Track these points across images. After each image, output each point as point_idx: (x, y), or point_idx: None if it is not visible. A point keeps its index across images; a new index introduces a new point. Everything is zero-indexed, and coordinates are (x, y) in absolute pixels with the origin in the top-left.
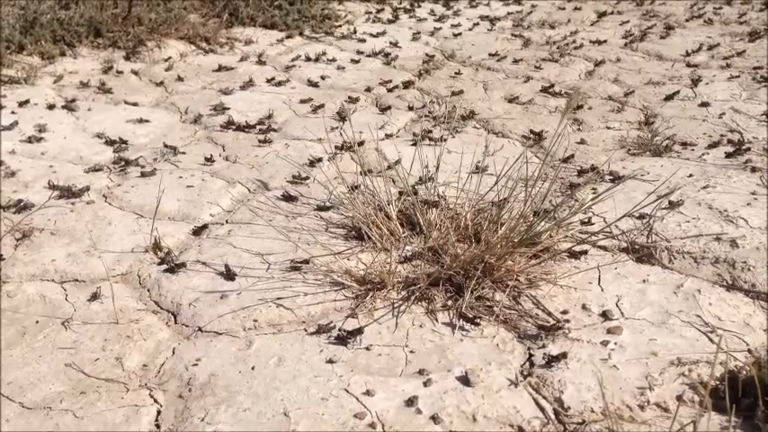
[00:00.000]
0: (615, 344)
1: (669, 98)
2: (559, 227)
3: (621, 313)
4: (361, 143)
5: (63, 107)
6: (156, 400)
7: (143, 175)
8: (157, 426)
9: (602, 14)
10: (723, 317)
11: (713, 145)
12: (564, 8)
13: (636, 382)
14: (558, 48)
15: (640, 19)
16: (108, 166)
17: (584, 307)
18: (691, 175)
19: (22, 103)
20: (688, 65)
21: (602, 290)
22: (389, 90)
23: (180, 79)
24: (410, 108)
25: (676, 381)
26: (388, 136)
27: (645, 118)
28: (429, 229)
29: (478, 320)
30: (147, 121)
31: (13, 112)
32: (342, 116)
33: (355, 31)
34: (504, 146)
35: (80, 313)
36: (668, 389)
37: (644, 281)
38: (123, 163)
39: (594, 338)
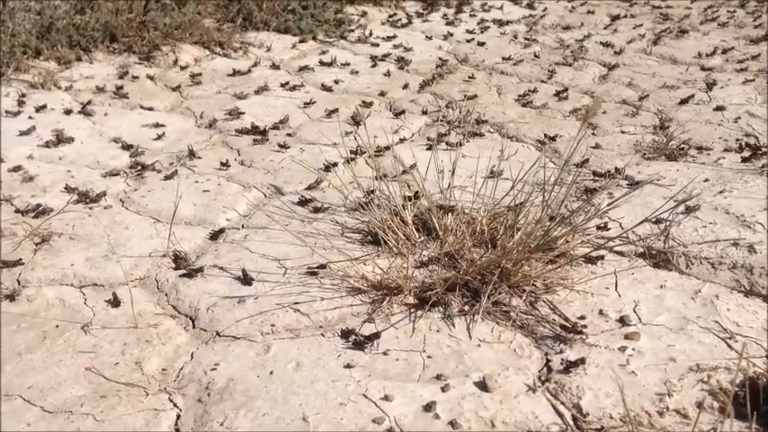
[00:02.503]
0: (633, 350)
1: (684, 102)
2: (576, 232)
3: (639, 319)
4: (386, 148)
5: (79, 112)
6: (175, 405)
7: (165, 178)
8: (177, 430)
9: (615, 18)
10: (741, 323)
11: (729, 149)
12: (577, 11)
13: (654, 388)
14: (571, 51)
15: (654, 22)
16: (125, 170)
17: (601, 312)
18: (707, 180)
19: (39, 108)
20: (702, 68)
21: (620, 295)
22: (403, 94)
23: (195, 84)
24: (424, 112)
25: (695, 387)
26: (402, 140)
27: (660, 122)
28: (445, 234)
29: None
30: (162, 125)
31: (30, 117)
32: (356, 120)
33: (369, 36)
34: (519, 150)
35: (99, 317)
36: (687, 395)
37: (661, 286)
38: (140, 168)
39: (612, 344)
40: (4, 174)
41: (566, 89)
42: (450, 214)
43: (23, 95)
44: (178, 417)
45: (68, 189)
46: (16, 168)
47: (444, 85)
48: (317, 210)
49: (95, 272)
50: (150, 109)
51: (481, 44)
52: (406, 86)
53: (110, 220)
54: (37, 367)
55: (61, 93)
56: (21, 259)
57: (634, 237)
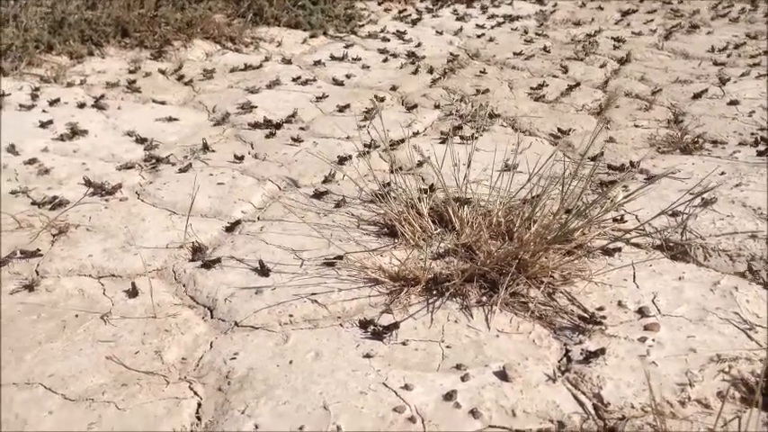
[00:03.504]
0: (653, 340)
1: (697, 96)
2: (592, 224)
3: (658, 310)
4: (399, 141)
5: (93, 106)
6: (195, 393)
7: (180, 171)
8: (198, 418)
9: (625, 13)
10: (761, 314)
11: (744, 143)
12: (587, 7)
13: (675, 378)
14: (582, 47)
15: (665, 18)
16: (139, 163)
17: (619, 304)
18: (723, 173)
19: (52, 102)
20: (715, 63)
21: (638, 287)
22: (415, 89)
23: (207, 78)
24: (436, 107)
25: (716, 377)
26: (415, 134)
27: (674, 116)
28: (461, 226)
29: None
30: (175, 119)
31: (44, 111)
32: (369, 114)
33: (380, 31)
34: (532, 144)
35: (118, 307)
36: (709, 385)
37: (680, 278)
38: (154, 161)
39: (632, 335)
40: (20, 166)
41: (578, 84)
42: (466, 206)
43: (37, 89)
44: (199, 405)
45: (86, 182)
46: (32, 161)
47: (456, 79)
48: (337, 204)
49: (113, 263)
50: (163, 103)
51: (492, 39)
52: (417, 81)
53: (126, 212)
54: (57, 356)
55: (74, 87)
56: (38, 250)
57: (651, 229)
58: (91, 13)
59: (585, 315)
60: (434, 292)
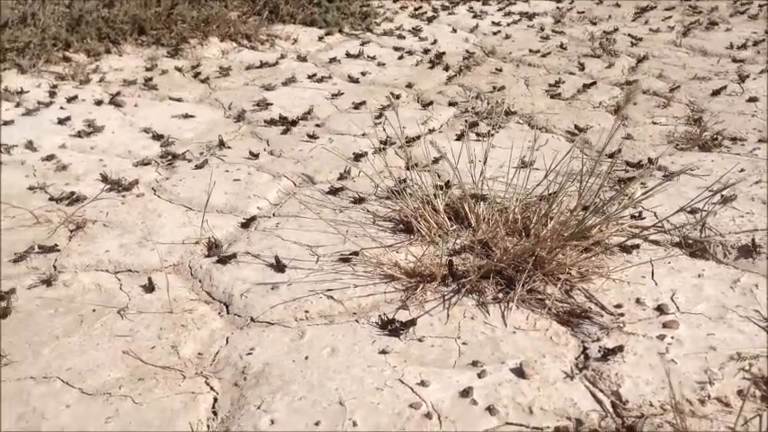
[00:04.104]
0: (672, 338)
1: (716, 93)
2: (610, 221)
3: (677, 308)
4: (415, 138)
5: (110, 103)
6: (212, 388)
7: (196, 167)
8: (214, 413)
9: (643, 10)
10: None
11: (764, 140)
12: (604, 4)
13: (695, 376)
14: (599, 44)
15: (683, 14)
16: (156, 160)
17: (638, 301)
18: (742, 170)
19: (70, 99)
20: (734, 60)
21: (656, 284)
22: (430, 86)
23: (223, 76)
24: (452, 104)
25: (737, 376)
26: (430, 131)
27: (692, 113)
28: (478, 222)
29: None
30: (191, 116)
31: (61, 108)
32: (384, 111)
33: (395, 29)
34: (549, 141)
35: (135, 302)
36: (729, 383)
37: (699, 275)
38: (170, 157)
39: (650, 332)
40: (38, 162)
41: (594, 81)
42: (482, 203)
43: (54, 87)
44: (215, 400)
45: (103, 178)
46: (49, 157)
47: (471, 77)
48: (355, 201)
49: (130, 258)
50: (179, 100)
51: (508, 37)
52: (433, 78)
53: (142, 207)
54: (75, 350)
55: (91, 84)
56: (56, 245)
57: (669, 226)
58: (108, 12)
59: (603, 312)
60: (450, 289)
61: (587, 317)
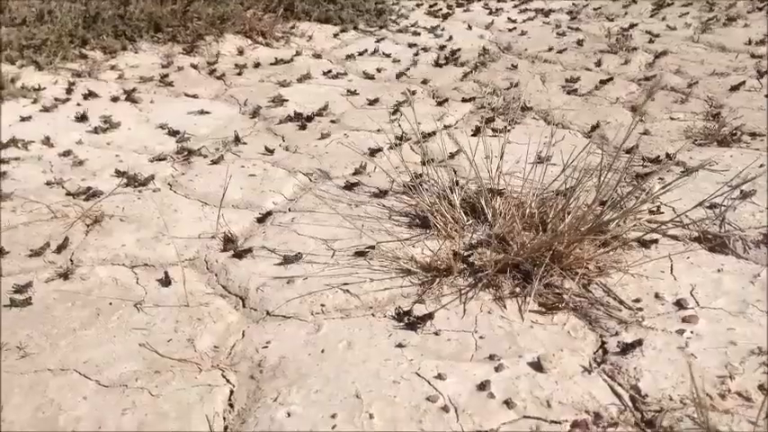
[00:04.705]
0: (692, 332)
1: (735, 89)
2: (628, 215)
3: (696, 302)
4: (432, 133)
5: (126, 99)
6: (228, 381)
7: (212, 163)
8: (231, 405)
9: (659, 6)
10: None
11: None
12: (620, 1)
13: (715, 370)
14: (616, 39)
15: (700, 11)
16: (171, 156)
17: (657, 296)
18: (762, 166)
19: (86, 96)
20: (752, 56)
21: (675, 279)
22: (446, 83)
23: (238, 73)
24: (467, 100)
25: (758, 370)
26: (446, 127)
27: (710, 108)
28: (494, 217)
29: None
30: (207, 112)
31: (78, 104)
32: (400, 107)
33: (411, 25)
34: (566, 136)
35: (151, 296)
36: (750, 378)
37: (719, 270)
38: (186, 153)
39: (669, 327)
40: (55, 158)
41: (611, 78)
42: (499, 197)
43: (71, 84)
44: (231, 392)
45: (118, 173)
46: (66, 153)
47: (487, 73)
48: (373, 195)
49: (146, 252)
50: (195, 97)
51: (523, 33)
52: (448, 75)
53: (159, 202)
54: (92, 343)
55: (108, 81)
56: (67, 239)
57: (688, 221)
58: (124, 9)
59: (621, 307)
60: (467, 283)
61: (606, 312)
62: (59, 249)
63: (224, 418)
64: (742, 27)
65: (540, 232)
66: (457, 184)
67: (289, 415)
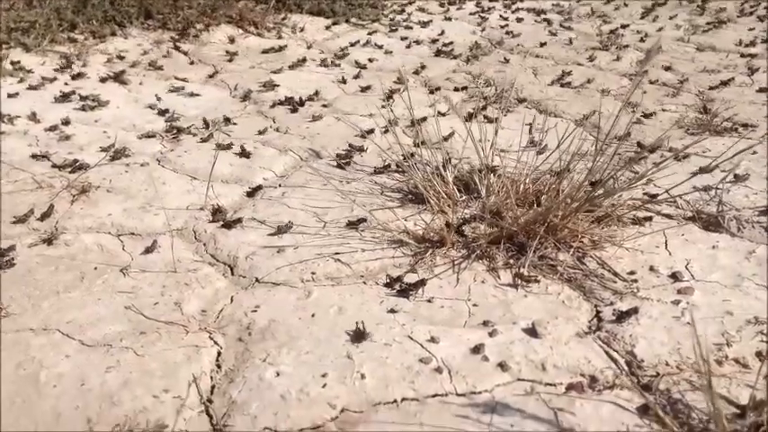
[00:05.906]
0: (687, 303)
1: (725, 84)
2: (623, 191)
3: (692, 275)
4: (423, 119)
5: (115, 80)
6: (216, 342)
7: (201, 141)
8: (218, 366)
9: (650, 8)
10: None
11: None
12: (612, 3)
13: (712, 338)
14: (607, 37)
15: (690, 14)
16: (160, 133)
17: (651, 269)
18: (755, 152)
19: (74, 77)
20: (742, 55)
21: (670, 254)
22: (438, 73)
23: (229, 59)
24: (459, 89)
25: (755, 338)
26: (440, 113)
27: (702, 101)
28: (488, 192)
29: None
30: (197, 95)
31: (66, 84)
32: (393, 93)
33: (403, 20)
34: (558, 124)
35: (138, 262)
36: (747, 345)
37: (713, 246)
38: (175, 131)
39: (665, 298)
40: (41, 133)
41: (603, 72)
42: (493, 174)
43: (60, 65)
44: (219, 353)
45: (107, 147)
46: (53, 128)
47: (479, 65)
48: (368, 174)
49: (133, 221)
50: (184, 80)
51: (515, 30)
52: (440, 66)
53: (147, 176)
54: (75, 305)
55: (96, 64)
56: (52, 206)
57: (682, 202)
58: None
59: (616, 279)
60: (461, 254)
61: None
62: (43, 217)
63: (211, 378)
64: (732, 30)
65: (535, 207)
66: (449, 161)
67: (278, 374)
